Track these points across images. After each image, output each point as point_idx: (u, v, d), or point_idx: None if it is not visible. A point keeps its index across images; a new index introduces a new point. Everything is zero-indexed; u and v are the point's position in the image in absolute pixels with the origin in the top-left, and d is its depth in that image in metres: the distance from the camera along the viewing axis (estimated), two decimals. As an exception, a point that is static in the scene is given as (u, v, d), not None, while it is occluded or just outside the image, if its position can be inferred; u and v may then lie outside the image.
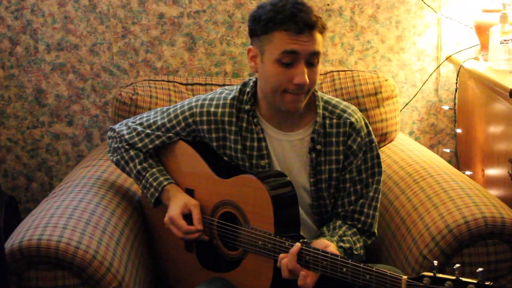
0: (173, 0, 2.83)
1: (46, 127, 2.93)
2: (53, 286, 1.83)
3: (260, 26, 1.85)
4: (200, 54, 2.88)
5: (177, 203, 1.99)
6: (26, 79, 2.89)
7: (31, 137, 2.94)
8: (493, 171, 2.51)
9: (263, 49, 1.86)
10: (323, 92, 2.27)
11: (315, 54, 1.84)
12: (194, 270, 2.04)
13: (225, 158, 2.02)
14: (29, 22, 2.84)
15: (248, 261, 1.89)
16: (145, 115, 2.15)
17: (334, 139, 1.96)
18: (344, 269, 1.67)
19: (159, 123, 2.08)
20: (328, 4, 2.85)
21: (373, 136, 2.00)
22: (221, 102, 2.01)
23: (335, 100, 2.01)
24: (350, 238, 1.90)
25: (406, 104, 2.95)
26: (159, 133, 2.08)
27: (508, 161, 2.31)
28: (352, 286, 1.71)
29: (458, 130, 2.88)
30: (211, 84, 2.62)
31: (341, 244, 1.86)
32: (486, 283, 1.47)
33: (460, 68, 2.71)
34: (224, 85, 2.56)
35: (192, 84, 2.62)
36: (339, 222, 1.95)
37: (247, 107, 1.98)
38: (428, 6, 2.86)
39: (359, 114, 2.00)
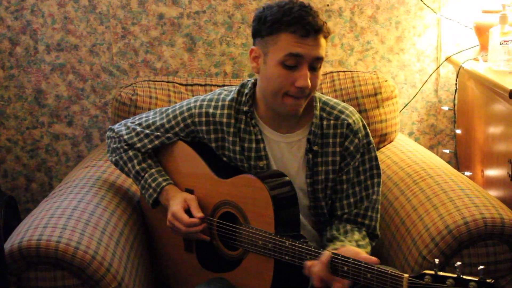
0: (173, 0, 2.83)
1: (45, 127, 2.93)
2: (53, 287, 1.83)
3: (266, 27, 1.85)
4: (199, 55, 2.88)
5: (177, 200, 1.99)
6: (26, 80, 2.89)
7: (31, 138, 2.94)
8: (493, 172, 2.51)
9: (267, 50, 1.86)
10: (322, 93, 2.27)
11: (319, 59, 1.84)
12: (194, 270, 2.04)
13: (224, 159, 2.02)
14: (29, 23, 2.84)
15: (248, 261, 1.89)
16: (144, 115, 2.15)
17: (331, 140, 1.96)
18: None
19: (158, 123, 2.08)
20: (327, 5, 2.85)
21: (371, 138, 2.00)
22: (220, 103, 2.01)
23: (333, 101, 2.01)
24: (363, 243, 1.89)
25: (406, 105, 2.96)
26: (158, 133, 2.08)
27: (507, 161, 2.31)
28: (353, 285, 1.71)
29: (458, 131, 2.88)
30: (211, 85, 2.62)
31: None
32: (488, 281, 1.46)
33: (459, 68, 2.71)
34: (223, 85, 2.56)
35: (191, 85, 2.62)
36: (349, 226, 1.94)
37: (245, 108, 1.98)
38: (428, 7, 2.87)
39: (357, 115, 2.00)
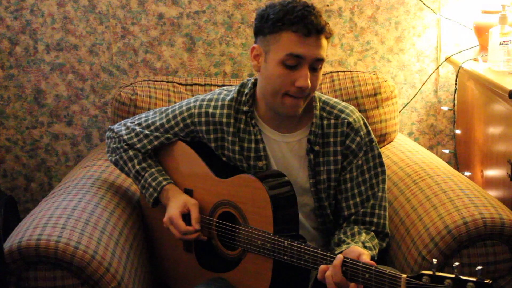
0: (173, 0, 2.83)
1: (45, 127, 2.93)
2: (52, 286, 1.83)
3: (268, 25, 1.84)
4: (199, 55, 2.88)
5: (177, 203, 1.99)
6: (25, 79, 2.88)
7: (31, 137, 2.94)
8: (492, 172, 2.52)
9: (268, 49, 1.86)
10: (322, 93, 2.27)
11: (319, 60, 1.84)
12: (193, 270, 2.04)
13: (224, 159, 2.02)
14: (28, 22, 2.84)
15: (247, 261, 1.89)
16: (143, 115, 2.15)
17: (332, 140, 1.96)
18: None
19: (158, 123, 2.08)
20: (327, 5, 2.85)
21: (373, 136, 2.00)
22: (219, 103, 2.01)
23: (333, 100, 2.01)
24: (371, 244, 1.88)
25: (406, 105, 2.95)
26: (158, 133, 2.08)
27: (507, 162, 2.31)
28: None
29: (457, 131, 2.88)
30: (211, 85, 2.62)
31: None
32: (486, 281, 1.46)
33: (459, 69, 2.71)
34: (223, 85, 2.56)
35: (191, 85, 2.62)
36: (357, 228, 1.93)
37: (245, 108, 1.98)
38: (428, 7, 2.87)
39: (358, 114, 2.00)
